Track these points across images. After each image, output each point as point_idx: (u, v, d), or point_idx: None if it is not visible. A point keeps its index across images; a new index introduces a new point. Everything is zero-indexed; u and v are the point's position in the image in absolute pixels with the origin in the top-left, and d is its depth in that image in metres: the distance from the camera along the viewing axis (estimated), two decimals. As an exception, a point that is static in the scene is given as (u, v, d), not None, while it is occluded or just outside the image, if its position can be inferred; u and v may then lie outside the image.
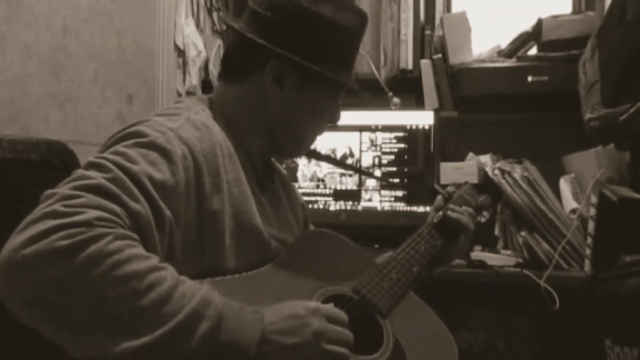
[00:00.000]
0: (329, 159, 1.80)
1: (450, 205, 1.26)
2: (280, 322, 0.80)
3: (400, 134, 1.98)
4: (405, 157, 1.98)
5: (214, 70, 2.19)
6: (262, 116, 1.03)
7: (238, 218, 0.93)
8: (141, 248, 0.74)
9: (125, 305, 0.69)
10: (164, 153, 0.83)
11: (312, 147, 1.17)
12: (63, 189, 0.74)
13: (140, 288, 0.70)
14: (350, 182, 2.01)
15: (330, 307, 0.87)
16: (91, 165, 0.79)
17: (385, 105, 2.09)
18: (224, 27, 2.18)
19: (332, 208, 2.01)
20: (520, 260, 1.75)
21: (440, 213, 1.24)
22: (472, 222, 1.25)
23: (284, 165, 2.00)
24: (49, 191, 0.74)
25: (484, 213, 1.46)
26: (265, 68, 0.99)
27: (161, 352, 0.69)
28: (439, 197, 1.33)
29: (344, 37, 1.03)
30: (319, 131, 1.10)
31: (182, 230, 0.84)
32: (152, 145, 0.83)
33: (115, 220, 0.73)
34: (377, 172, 1.99)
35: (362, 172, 1.97)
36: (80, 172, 0.77)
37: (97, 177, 0.75)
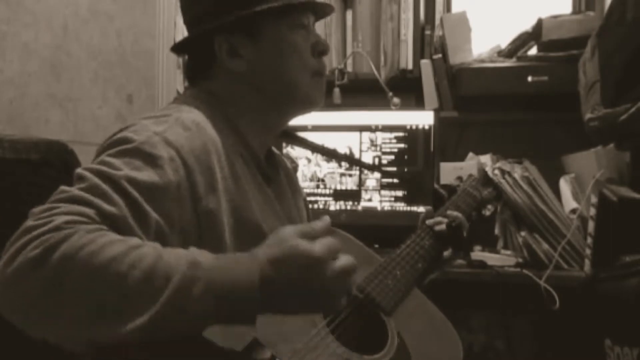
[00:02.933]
0: (322, 149, 1.74)
1: (447, 213, 1.25)
2: (277, 251, 0.75)
3: (400, 134, 1.98)
4: (405, 157, 1.98)
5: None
6: (249, 94, 1.01)
7: (237, 214, 0.92)
8: (114, 234, 0.73)
9: (112, 290, 0.68)
10: (149, 159, 0.82)
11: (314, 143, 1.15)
12: (42, 206, 0.75)
13: (122, 270, 0.69)
14: (350, 182, 2.01)
15: (307, 225, 0.81)
16: (75, 179, 0.79)
17: (385, 105, 2.09)
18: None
19: (332, 208, 2.01)
20: (520, 260, 1.75)
21: (444, 226, 1.20)
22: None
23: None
24: (31, 210, 0.74)
25: (489, 206, 1.45)
26: (214, 51, 0.99)
27: (165, 324, 0.69)
28: (429, 208, 1.29)
29: None
30: (311, 67, 1.03)
31: (178, 233, 0.83)
32: (137, 152, 0.82)
33: (85, 221, 0.72)
34: (377, 172, 1.99)
35: (355, 162, 1.96)
36: (61, 187, 0.78)
37: (72, 190, 0.76)
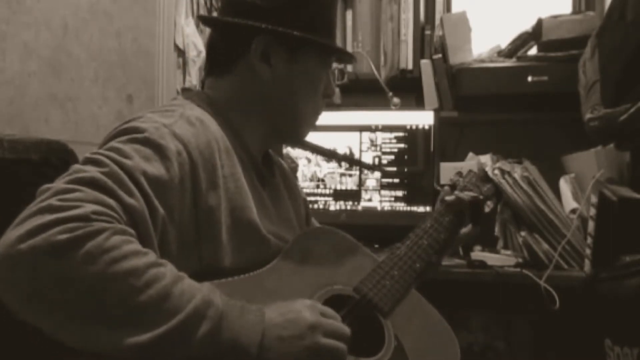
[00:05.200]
0: (320, 150, 1.75)
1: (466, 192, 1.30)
2: (279, 317, 0.80)
3: (400, 134, 1.98)
4: (405, 157, 1.98)
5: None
6: (258, 102, 1.02)
7: (234, 213, 0.92)
8: (138, 244, 0.74)
9: (123, 302, 0.69)
10: (158, 149, 0.82)
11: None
12: (58, 183, 0.74)
13: (138, 285, 0.70)
14: (350, 182, 2.01)
15: (325, 307, 0.87)
16: (87, 161, 0.79)
17: (385, 105, 2.09)
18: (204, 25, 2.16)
19: (332, 208, 2.01)
20: (520, 260, 1.75)
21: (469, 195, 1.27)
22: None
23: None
24: (45, 186, 0.74)
25: (488, 203, 1.46)
26: (250, 48, 0.99)
27: (161, 351, 0.70)
28: (447, 188, 1.34)
29: (319, 4, 1.03)
30: (317, 107, 1.09)
31: (176, 226, 0.84)
32: (147, 142, 0.82)
33: (112, 215, 0.73)
34: (377, 172, 1.99)
35: (355, 162, 1.97)
36: (76, 166, 0.78)
37: (92, 171, 0.75)
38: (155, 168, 0.81)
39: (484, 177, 1.51)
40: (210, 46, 1.07)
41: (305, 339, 0.80)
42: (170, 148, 0.83)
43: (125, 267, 0.69)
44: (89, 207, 0.71)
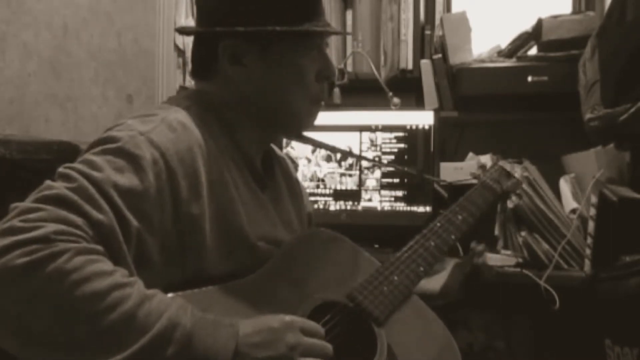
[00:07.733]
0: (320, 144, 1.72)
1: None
2: (255, 335, 0.77)
3: (400, 134, 1.98)
4: (405, 157, 1.98)
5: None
6: (245, 102, 0.98)
7: (221, 220, 0.89)
8: (105, 262, 0.71)
9: (85, 326, 0.67)
10: (132, 159, 0.80)
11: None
12: (26, 202, 0.73)
13: (100, 308, 0.67)
14: (350, 182, 2.01)
15: (306, 321, 0.84)
16: (58, 176, 0.77)
17: (385, 105, 2.09)
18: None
19: (332, 208, 2.01)
20: (520, 260, 1.74)
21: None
22: None
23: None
24: (14, 204, 0.73)
25: (513, 198, 1.42)
26: (218, 53, 0.96)
27: None
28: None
29: None
30: (312, 94, 1.00)
31: (157, 237, 0.81)
32: (120, 152, 0.80)
33: (76, 233, 0.70)
34: (377, 172, 1.98)
35: (354, 156, 1.95)
36: (46, 183, 0.76)
37: (60, 187, 0.73)
38: (128, 179, 0.78)
39: (507, 173, 1.47)
40: (191, 54, 1.04)
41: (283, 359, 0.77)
42: (145, 157, 0.80)
43: (87, 291, 0.67)
44: (51, 227, 0.69)
